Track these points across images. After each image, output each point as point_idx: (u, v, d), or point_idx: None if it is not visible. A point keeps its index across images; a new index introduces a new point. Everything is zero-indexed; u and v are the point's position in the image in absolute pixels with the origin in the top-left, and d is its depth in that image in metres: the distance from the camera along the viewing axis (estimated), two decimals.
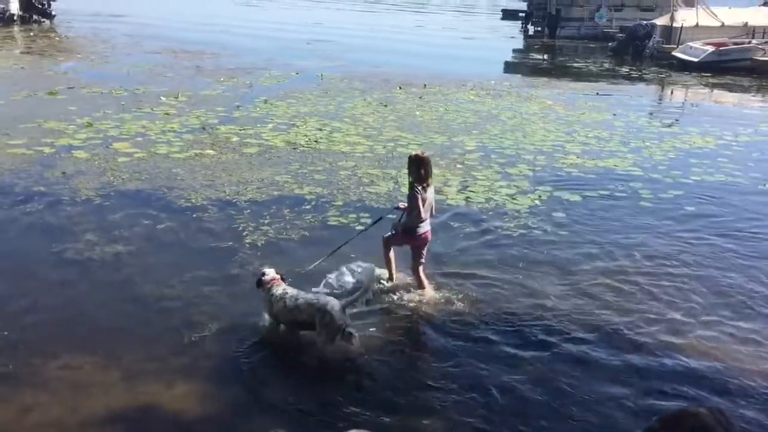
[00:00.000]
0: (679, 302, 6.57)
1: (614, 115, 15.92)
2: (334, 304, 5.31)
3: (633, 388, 5.16)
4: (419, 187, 6.19)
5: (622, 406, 4.94)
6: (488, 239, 7.99)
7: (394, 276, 6.62)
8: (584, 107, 16.83)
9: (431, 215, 6.49)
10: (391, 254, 6.58)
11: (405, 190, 9.35)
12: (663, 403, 4.90)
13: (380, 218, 6.94)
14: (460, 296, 6.45)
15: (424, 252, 6.51)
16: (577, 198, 9.63)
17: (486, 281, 6.83)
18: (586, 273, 7.17)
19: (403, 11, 62.65)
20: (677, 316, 6.30)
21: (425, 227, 6.37)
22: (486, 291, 6.63)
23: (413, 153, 6.43)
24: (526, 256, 7.52)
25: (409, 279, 6.63)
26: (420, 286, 6.49)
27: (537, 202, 9.36)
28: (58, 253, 7.09)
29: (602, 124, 14.80)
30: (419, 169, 6.18)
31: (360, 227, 7.85)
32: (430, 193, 6.33)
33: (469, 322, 6.03)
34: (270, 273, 5.68)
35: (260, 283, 5.65)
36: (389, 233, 6.50)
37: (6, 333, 5.52)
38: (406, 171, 6.41)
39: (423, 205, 6.20)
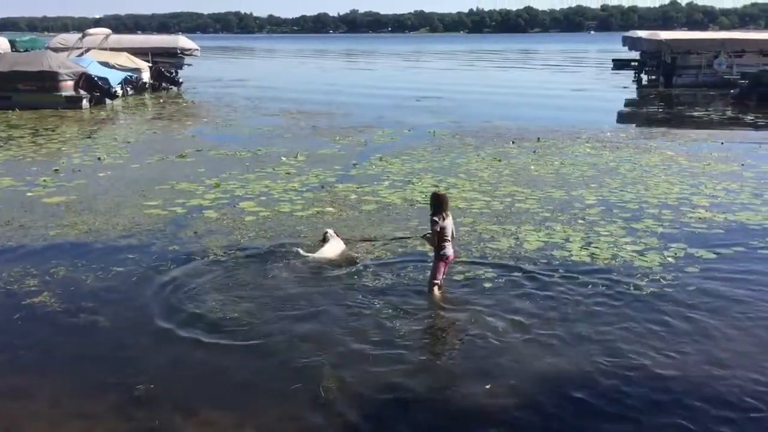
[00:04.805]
0: None
1: (743, 165, 15.12)
2: (308, 255, 8.73)
3: None
4: (439, 216, 7.44)
5: None
6: (617, 296, 7.68)
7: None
8: (708, 158, 16.10)
9: (452, 238, 7.70)
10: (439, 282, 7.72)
11: (527, 246, 9.32)
12: None
13: (410, 237, 9.36)
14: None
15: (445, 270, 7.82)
16: (710, 255, 9.10)
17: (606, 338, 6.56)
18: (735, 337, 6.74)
19: (508, 67, 62.96)
20: None
21: (450, 250, 7.62)
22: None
23: (434, 192, 8.00)
24: (656, 318, 7.16)
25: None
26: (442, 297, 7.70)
27: (670, 259, 8.90)
28: (191, 312, 7.31)
29: (730, 176, 14.08)
30: (440, 203, 7.52)
31: (488, 284, 7.93)
32: (449, 222, 7.58)
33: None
34: (330, 231, 9.16)
35: (325, 237, 9.03)
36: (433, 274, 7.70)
37: (152, 386, 5.77)
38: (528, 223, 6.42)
39: (446, 231, 7.51)
